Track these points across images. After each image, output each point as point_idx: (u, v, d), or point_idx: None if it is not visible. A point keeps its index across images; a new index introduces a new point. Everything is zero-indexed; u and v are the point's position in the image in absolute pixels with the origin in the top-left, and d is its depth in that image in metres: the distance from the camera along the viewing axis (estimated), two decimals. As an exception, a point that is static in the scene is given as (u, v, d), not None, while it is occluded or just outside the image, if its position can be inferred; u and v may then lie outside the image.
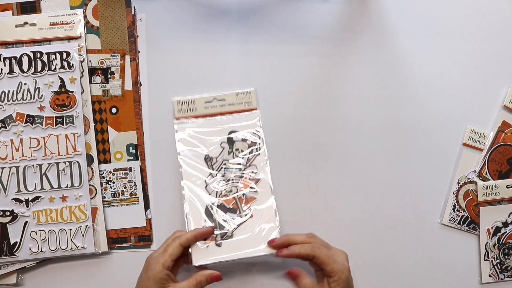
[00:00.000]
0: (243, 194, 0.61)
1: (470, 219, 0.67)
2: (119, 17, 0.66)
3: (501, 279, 0.66)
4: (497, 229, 0.66)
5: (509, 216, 0.67)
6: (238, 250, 0.58)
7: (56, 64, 0.64)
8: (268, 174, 0.62)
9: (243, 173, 0.62)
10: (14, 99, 0.64)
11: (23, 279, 0.63)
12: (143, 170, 0.65)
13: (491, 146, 0.67)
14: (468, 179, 0.67)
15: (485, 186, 0.66)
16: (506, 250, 0.66)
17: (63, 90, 0.64)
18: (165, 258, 0.55)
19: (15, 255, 0.62)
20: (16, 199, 0.63)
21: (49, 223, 0.63)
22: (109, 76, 0.66)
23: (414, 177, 0.67)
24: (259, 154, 0.63)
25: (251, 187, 0.61)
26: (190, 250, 0.58)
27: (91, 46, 0.66)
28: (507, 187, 0.67)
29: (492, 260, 0.66)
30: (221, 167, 0.62)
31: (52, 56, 0.64)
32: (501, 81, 0.69)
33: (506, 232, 0.66)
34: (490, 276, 0.66)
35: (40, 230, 0.62)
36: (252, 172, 0.62)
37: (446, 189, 0.67)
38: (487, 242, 0.66)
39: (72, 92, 0.64)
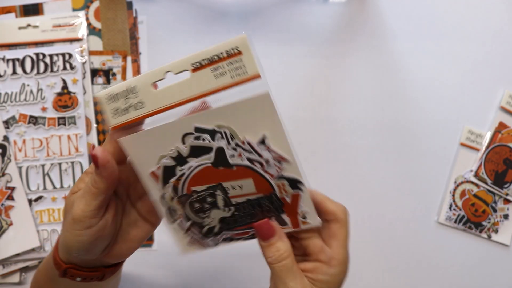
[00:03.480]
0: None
1: (466, 218, 0.67)
2: (120, 19, 0.67)
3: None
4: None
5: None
6: None
7: (59, 65, 0.65)
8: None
9: None
10: (17, 100, 0.64)
11: (26, 278, 0.64)
12: (144, 170, 0.66)
13: (488, 146, 0.68)
14: (465, 178, 0.68)
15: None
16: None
17: (65, 91, 0.65)
18: None
19: (18, 254, 0.62)
20: (19, 199, 0.63)
21: (52, 223, 0.63)
22: (110, 77, 0.66)
23: (412, 176, 0.68)
24: (10, 161, 0.61)
25: None
26: None
27: (93, 48, 0.66)
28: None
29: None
30: None
31: (55, 58, 0.65)
32: (498, 82, 0.70)
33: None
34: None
35: (42, 230, 0.63)
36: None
37: (443, 188, 0.68)
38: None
39: (74, 93, 0.65)
